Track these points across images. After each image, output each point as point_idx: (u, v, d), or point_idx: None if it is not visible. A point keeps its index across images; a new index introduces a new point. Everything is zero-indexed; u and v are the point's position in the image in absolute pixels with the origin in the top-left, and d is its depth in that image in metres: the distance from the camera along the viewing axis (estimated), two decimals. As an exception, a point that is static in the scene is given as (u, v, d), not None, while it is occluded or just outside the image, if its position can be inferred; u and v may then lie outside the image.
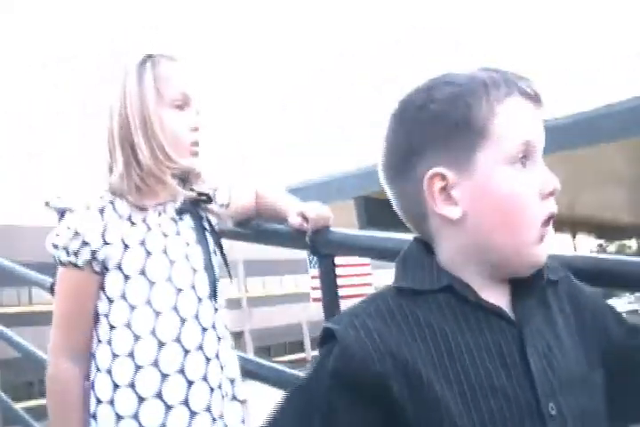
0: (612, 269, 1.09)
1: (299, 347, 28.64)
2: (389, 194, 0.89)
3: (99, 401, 1.33)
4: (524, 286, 0.83)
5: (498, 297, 0.82)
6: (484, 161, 0.80)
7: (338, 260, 1.77)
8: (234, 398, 1.43)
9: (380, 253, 1.49)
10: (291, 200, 1.67)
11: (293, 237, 1.63)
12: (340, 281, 1.76)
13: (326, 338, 0.80)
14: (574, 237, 10.19)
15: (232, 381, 1.44)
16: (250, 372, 2.15)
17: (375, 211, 4.58)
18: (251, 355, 2.38)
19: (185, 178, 1.47)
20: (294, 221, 1.59)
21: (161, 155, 1.36)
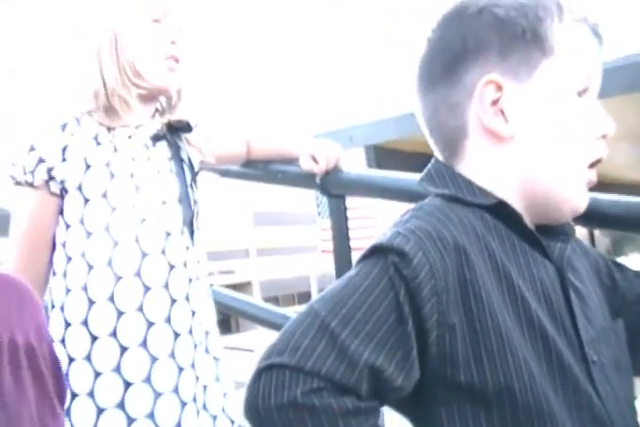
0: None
1: (307, 298, 28.81)
2: (421, 107, 0.79)
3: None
4: (551, 231, 0.77)
5: None
6: (545, 81, 0.73)
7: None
8: (207, 350, 1.29)
9: (392, 193, 1.42)
10: (298, 141, 1.60)
11: (302, 178, 1.58)
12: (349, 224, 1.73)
13: (372, 254, 0.67)
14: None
15: (207, 332, 1.30)
16: (260, 319, 2.13)
17: (384, 159, 4.58)
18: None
19: (164, 104, 1.37)
20: (305, 163, 1.54)
21: (129, 72, 1.26)
